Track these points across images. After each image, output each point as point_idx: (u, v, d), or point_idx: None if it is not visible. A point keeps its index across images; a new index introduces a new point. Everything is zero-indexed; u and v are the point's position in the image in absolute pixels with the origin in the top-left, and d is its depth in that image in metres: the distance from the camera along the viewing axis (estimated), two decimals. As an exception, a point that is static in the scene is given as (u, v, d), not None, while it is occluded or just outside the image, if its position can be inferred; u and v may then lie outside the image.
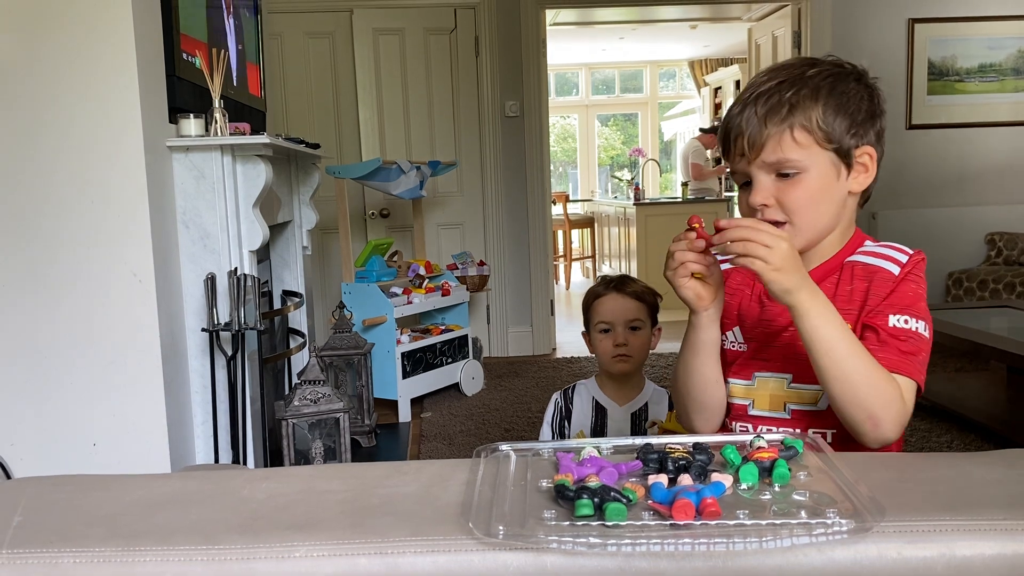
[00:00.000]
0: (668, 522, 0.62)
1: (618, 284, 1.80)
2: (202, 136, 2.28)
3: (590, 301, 1.84)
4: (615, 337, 1.77)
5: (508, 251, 4.76)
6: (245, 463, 2.31)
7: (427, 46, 4.59)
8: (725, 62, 9.58)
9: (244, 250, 2.37)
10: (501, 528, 0.61)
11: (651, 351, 1.84)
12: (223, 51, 2.56)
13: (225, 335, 2.28)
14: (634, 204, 6.46)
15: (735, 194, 7.74)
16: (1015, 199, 4.96)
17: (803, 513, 0.63)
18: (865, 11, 4.78)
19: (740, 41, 6.90)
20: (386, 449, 3.33)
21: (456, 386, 3.94)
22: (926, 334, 1.03)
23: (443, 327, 3.94)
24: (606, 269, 7.82)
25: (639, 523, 0.62)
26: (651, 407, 1.82)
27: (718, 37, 8.56)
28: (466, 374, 3.95)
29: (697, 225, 1.01)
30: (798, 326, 0.98)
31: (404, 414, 3.61)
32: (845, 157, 1.07)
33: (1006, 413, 3.29)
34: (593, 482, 0.66)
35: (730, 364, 1.18)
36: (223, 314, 2.27)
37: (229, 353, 2.26)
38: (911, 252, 1.10)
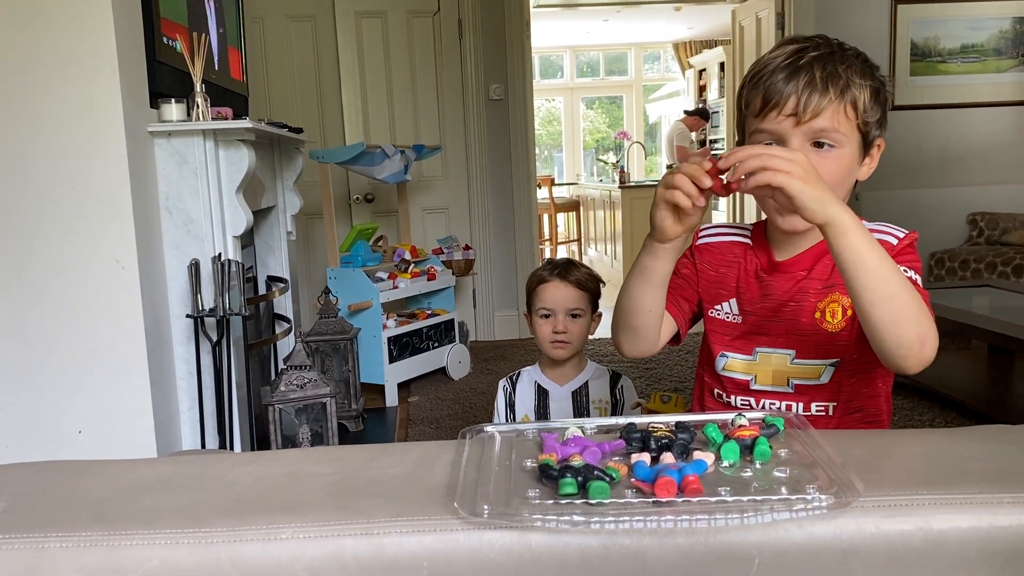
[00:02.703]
0: (651, 500, 0.63)
1: (562, 271, 1.82)
2: (184, 121, 2.26)
3: (534, 285, 1.85)
4: (555, 324, 1.79)
5: (494, 235, 4.76)
6: (232, 449, 2.31)
7: (410, 29, 4.56)
8: (710, 44, 9.57)
9: (228, 236, 2.35)
10: (486, 507, 0.61)
11: (590, 336, 1.86)
12: (204, 35, 2.54)
13: (210, 321, 2.27)
14: (619, 187, 6.47)
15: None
16: (996, 179, 5.00)
17: (783, 489, 0.64)
18: (848, -8, 4.78)
19: (724, 23, 6.90)
20: (374, 433, 3.34)
21: (443, 370, 3.95)
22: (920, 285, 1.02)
23: (429, 311, 3.94)
24: (592, 253, 7.83)
25: (622, 501, 0.63)
26: (592, 385, 1.85)
27: (702, 19, 8.55)
28: (453, 358, 3.96)
29: (711, 164, 0.93)
30: (836, 246, 0.89)
31: (391, 398, 3.61)
32: (867, 145, 1.09)
33: (987, 391, 3.33)
34: (577, 461, 0.66)
35: (725, 336, 1.19)
36: (207, 300, 2.26)
37: (214, 339, 2.26)
38: (903, 232, 1.12)
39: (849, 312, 1.08)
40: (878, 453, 0.72)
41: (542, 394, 1.86)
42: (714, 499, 0.62)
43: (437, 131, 4.61)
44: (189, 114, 2.28)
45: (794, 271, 1.14)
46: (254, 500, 0.67)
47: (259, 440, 2.59)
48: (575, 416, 1.82)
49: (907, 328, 0.91)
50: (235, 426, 2.33)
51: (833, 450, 0.69)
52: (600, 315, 1.88)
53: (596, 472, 0.64)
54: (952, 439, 0.75)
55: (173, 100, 2.26)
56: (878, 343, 0.93)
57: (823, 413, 1.13)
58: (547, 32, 8.81)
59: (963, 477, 0.66)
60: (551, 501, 0.63)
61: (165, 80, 2.35)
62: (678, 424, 0.74)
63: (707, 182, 0.92)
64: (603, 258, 7.29)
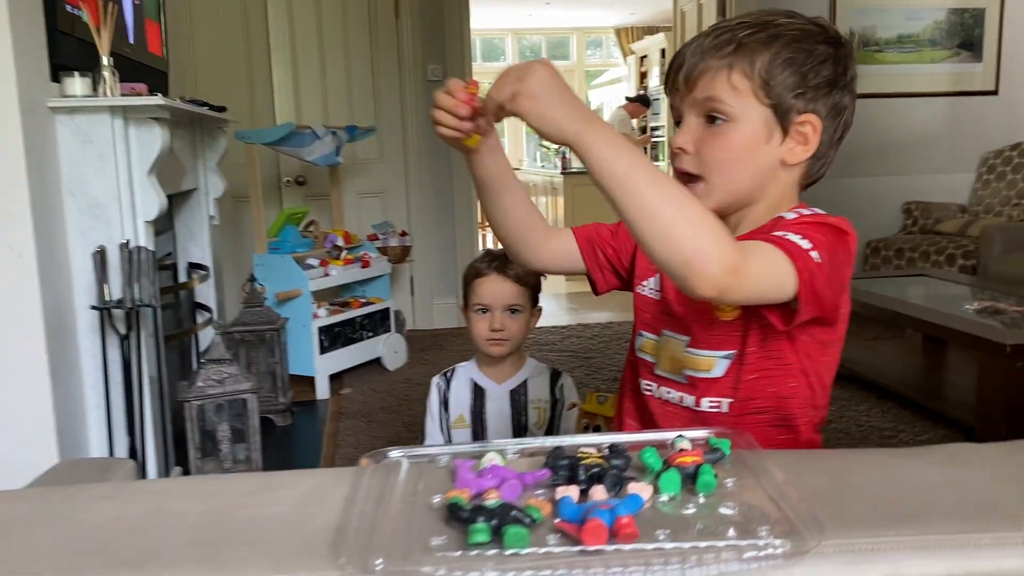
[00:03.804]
0: (577, 548, 0.53)
1: (500, 264, 1.69)
2: (89, 96, 2.08)
3: (470, 278, 1.74)
4: (492, 320, 1.68)
5: (432, 220, 4.63)
6: (144, 450, 2.16)
7: (344, 6, 4.38)
8: (651, 30, 9.53)
9: (139, 221, 2.19)
10: (379, 561, 0.51)
11: (530, 331, 1.77)
12: (113, 4, 2.36)
13: (119, 313, 2.11)
14: (561, 173, 6.39)
15: (662, 163, 7.75)
16: (930, 169, 5.05)
17: (732, 531, 0.54)
18: (789, -21, 4.76)
19: (666, 9, 6.85)
20: (302, 428, 3.20)
21: (378, 361, 3.82)
22: (815, 257, 0.87)
23: (363, 300, 3.80)
24: (533, 238, 7.75)
25: (543, 550, 0.53)
26: (531, 383, 1.75)
27: (644, 4, 8.50)
28: (388, 348, 3.82)
29: (474, 90, 0.93)
30: (585, 165, 0.83)
31: (322, 391, 3.47)
32: (783, 119, 0.96)
33: (922, 381, 3.34)
34: (492, 499, 0.56)
35: (645, 314, 1.12)
36: (116, 290, 2.10)
37: (123, 332, 2.10)
38: (815, 211, 1.00)
39: None
40: (836, 481, 0.63)
41: (478, 393, 1.75)
42: (651, 546, 0.52)
43: (372, 112, 4.45)
44: (96, 89, 2.11)
45: None
46: (100, 551, 0.55)
47: (176, 438, 2.44)
48: (513, 416, 1.72)
49: (678, 246, 0.78)
50: (147, 425, 2.18)
51: (785, 479, 0.60)
52: (540, 310, 1.78)
53: (514, 514, 0.54)
54: (916, 461, 0.67)
55: (77, 74, 2.08)
56: (653, 263, 0.86)
57: (716, 409, 1.03)
58: (489, 14, 8.65)
59: (933, 511, 0.58)
60: (459, 552, 0.53)
61: (70, 52, 2.16)
62: (612, 448, 0.65)
63: (463, 111, 0.92)
64: (544, 244, 7.21)
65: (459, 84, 0.93)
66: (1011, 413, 2.45)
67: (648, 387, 1.11)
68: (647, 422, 1.12)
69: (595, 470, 0.61)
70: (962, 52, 4.98)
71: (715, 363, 1.02)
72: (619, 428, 1.18)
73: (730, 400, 1.02)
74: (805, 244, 0.87)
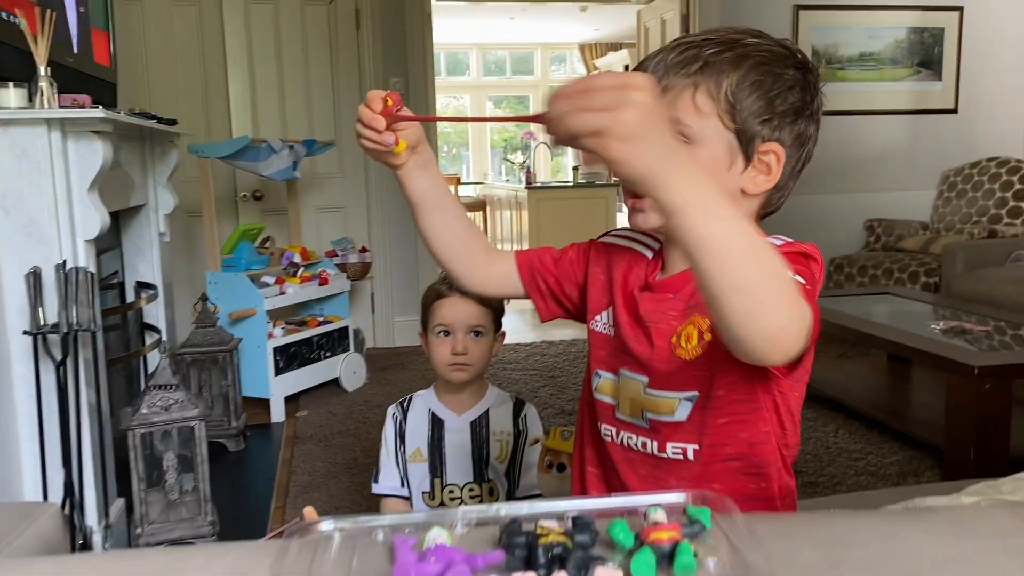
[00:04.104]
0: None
1: None
2: (24, 108, 1.97)
3: (430, 300, 1.64)
4: (454, 344, 1.60)
5: (394, 236, 4.53)
6: (81, 484, 2.03)
7: (304, 17, 4.29)
8: (615, 46, 9.56)
9: (78, 240, 2.07)
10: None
11: (493, 356, 1.69)
12: (52, 12, 2.24)
13: (54, 338, 1.99)
14: (526, 188, 6.33)
15: (604, 171, 7.64)
16: (892, 186, 5.08)
17: (715, 627, 0.47)
18: (752, -5, 4.76)
19: (630, 25, 6.84)
20: (256, 453, 3.08)
21: (336, 381, 3.70)
22: (802, 281, 0.80)
23: (321, 318, 3.69)
24: (497, 253, 7.67)
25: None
26: (492, 414, 1.66)
27: (608, 20, 8.51)
28: (346, 368, 3.71)
29: (390, 101, 0.90)
30: (668, 224, 0.67)
31: (277, 414, 3.35)
32: (746, 146, 0.89)
33: (889, 401, 3.31)
34: (434, 593, 0.48)
35: (601, 351, 1.03)
36: (52, 314, 1.98)
37: (58, 358, 1.97)
38: (787, 240, 0.91)
39: (707, 336, 0.89)
40: (831, 556, 0.56)
41: (437, 424, 1.66)
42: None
43: (332, 125, 4.35)
44: (32, 100, 1.99)
45: (663, 291, 0.97)
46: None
47: (121, 468, 2.31)
48: (473, 449, 1.63)
49: (765, 323, 0.68)
50: (85, 457, 2.05)
51: (776, 556, 0.52)
52: (504, 334, 1.70)
53: (460, 611, 0.46)
54: (916, 529, 0.60)
55: (12, 84, 1.96)
56: (728, 333, 0.71)
57: (680, 457, 0.95)
58: (453, 28, 8.61)
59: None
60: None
61: (5, 61, 2.05)
62: (575, 521, 0.57)
63: (379, 124, 0.90)
64: (508, 260, 7.14)
65: (378, 95, 0.90)
66: (980, 435, 2.41)
67: (607, 432, 1.02)
68: (608, 469, 1.04)
69: (556, 550, 0.53)
70: (922, 70, 5.02)
71: (677, 405, 0.93)
72: (579, 477, 1.09)
73: (695, 447, 0.94)
74: (800, 280, 0.80)
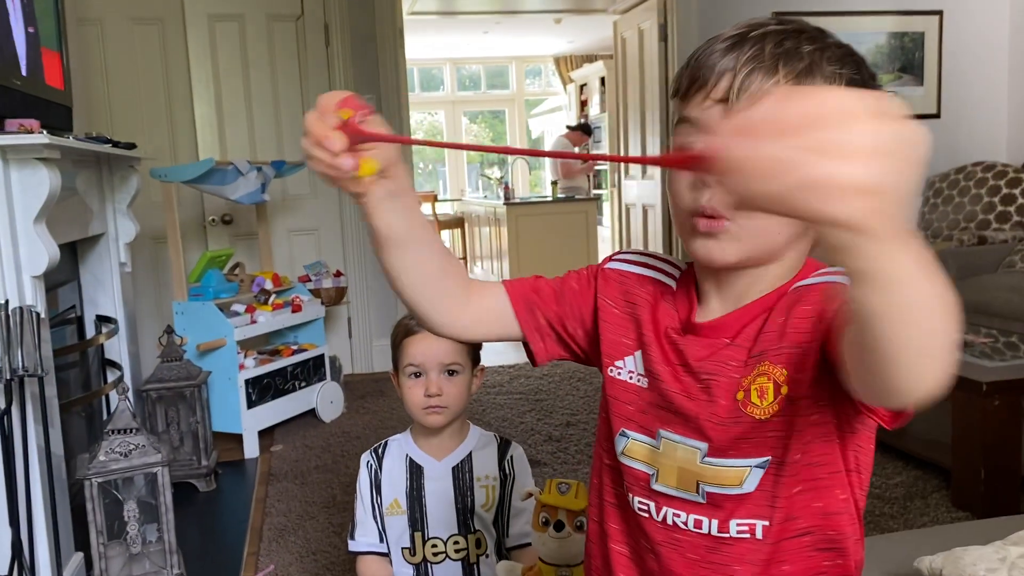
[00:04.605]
0: None
1: None
2: (-39, 135, 1.82)
3: (399, 338, 1.48)
4: (427, 385, 1.45)
5: (370, 256, 4.37)
6: (32, 541, 1.86)
7: (271, 34, 4.14)
8: (590, 58, 9.49)
9: (24, 276, 1.91)
10: None
11: (472, 395, 1.53)
12: (-7, 31, 2.09)
13: (-2, 384, 1.82)
14: (504, 203, 6.22)
15: (604, 191, 7.63)
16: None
17: None
18: (731, 3, 4.67)
19: (605, 37, 6.76)
20: (228, 493, 2.91)
21: (312, 412, 3.54)
22: None
23: (295, 347, 3.53)
24: (478, 271, 7.54)
25: None
26: (476, 457, 1.51)
27: (583, 32, 8.43)
28: (323, 398, 3.55)
29: (350, 115, 0.69)
30: (853, 291, 0.51)
31: (251, 449, 3.18)
32: None
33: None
34: None
35: (628, 406, 0.85)
36: (-5, 358, 1.81)
37: (1, 406, 1.81)
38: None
39: (784, 390, 0.75)
40: None
41: (415, 471, 1.51)
42: None
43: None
44: (-30, 126, 1.84)
45: (715, 335, 0.81)
46: None
47: (77, 520, 2.14)
48: (456, 497, 1.48)
49: (926, 374, 0.54)
50: (35, 511, 1.89)
51: None
52: (483, 369, 1.55)
53: None
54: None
55: (-52, 109, 1.81)
56: (873, 381, 0.56)
57: (747, 535, 0.79)
58: (426, 43, 8.50)
59: None
60: None
61: (-59, 85, 1.90)
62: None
63: (335, 144, 0.68)
64: (489, 276, 7.00)
65: (331, 103, 0.70)
66: (989, 454, 2.30)
67: (642, 506, 0.85)
68: (643, 551, 0.86)
69: None
70: (904, 76, 4.95)
71: (747, 474, 0.78)
72: (600, 554, 0.91)
73: (765, 523, 0.78)
74: None
